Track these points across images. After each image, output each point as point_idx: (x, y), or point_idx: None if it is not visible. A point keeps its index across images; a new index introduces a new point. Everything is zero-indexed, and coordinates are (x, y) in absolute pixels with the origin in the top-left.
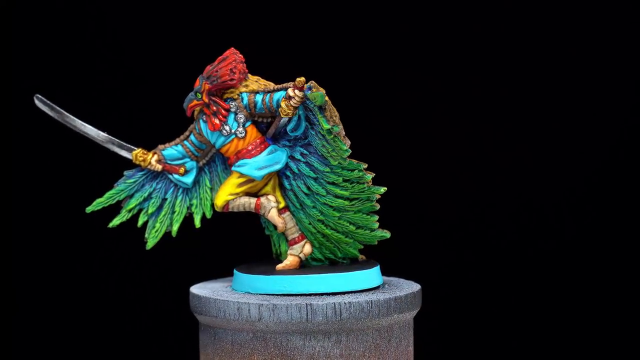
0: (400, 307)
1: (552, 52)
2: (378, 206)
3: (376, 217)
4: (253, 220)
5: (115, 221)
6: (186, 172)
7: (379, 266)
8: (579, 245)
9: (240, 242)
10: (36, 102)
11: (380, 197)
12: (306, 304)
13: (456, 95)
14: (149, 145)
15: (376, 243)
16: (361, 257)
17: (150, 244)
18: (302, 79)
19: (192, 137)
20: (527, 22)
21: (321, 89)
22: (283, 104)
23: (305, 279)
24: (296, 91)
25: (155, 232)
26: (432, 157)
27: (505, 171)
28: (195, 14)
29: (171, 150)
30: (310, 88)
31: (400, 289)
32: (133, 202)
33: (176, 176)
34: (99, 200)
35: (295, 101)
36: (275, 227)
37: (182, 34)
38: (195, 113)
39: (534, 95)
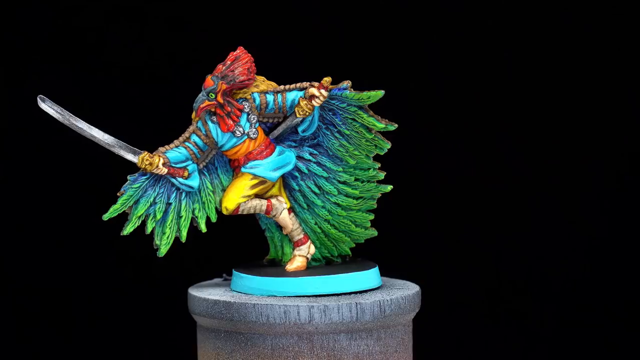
0: (420, 303)
1: (560, 54)
2: (375, 205)
3: (372, 216)
4: (233, 223)
5: (129, 229)
6: (189, 175)
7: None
8: (578, 245)
9: (217, 244)
10: (40, 103)
11: (380, 195)
12: (356, 302)
13: (458, 94)
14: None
15: (363, 241)
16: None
17: (163, 251)
18: (329, 78)
19: (195, 139)
20: (530, 21)
21: (347, 89)
22: (303, 104)
23: (343, 278)
24: (322, 90)
25: (167, 238)
26: (431, 156)
27: (507, 171)
28: (191, 15)
29: (175, 152)
30: (345, 88)
31: (404, 286)
32: (141, 208)
33: (180, 180)
34: (114, 207)
35: (319, 101)
36: (280, 228)
37: (178, 34)
38: (195, 115)
39: (536, 96)
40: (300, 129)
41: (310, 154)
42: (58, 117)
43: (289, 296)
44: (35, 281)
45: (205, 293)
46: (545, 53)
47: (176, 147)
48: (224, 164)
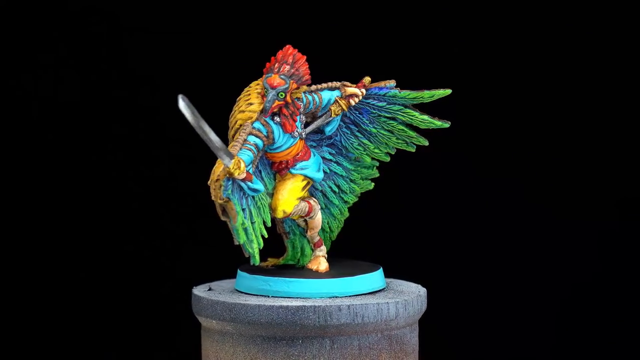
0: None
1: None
2: None
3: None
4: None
5: (242, 238)
6: (253, 178)
7: None
8: (581, 245)
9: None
10: (179, 102)
11: None
12: (418, 295)
13: (459, 93)
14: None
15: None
16: None
17: (258, 258)
18: (369, 78)
19: (256, 141)
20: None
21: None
22: (342, 103)
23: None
24: (362, 89)
25: (256, 246)
26: (434, 158)
27: (509, 172)
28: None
29: (244, 155)
30: (391, 87)
31: (404, 285)
32: (240, 216)
33: (249, 184)
34: (239, 211)
35: (357, 99)
36: (306, 230)
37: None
38: (245, 118)
39: (536, 96)
40: (327, 129)
41: (330, 153)
42: (190, 118)
43: (349, 295)
44: (39, 282)
45: (262, 300)
46: (548, 55)
47: (241, 150)
48: (264, 167)
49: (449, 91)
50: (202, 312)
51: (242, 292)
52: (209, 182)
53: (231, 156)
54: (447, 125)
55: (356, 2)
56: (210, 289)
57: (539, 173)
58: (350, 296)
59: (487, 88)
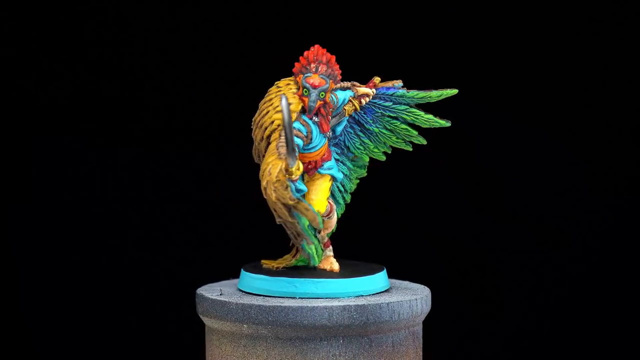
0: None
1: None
2: None
3: None
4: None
5: (313, 239)
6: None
7: None
8: (580, 246)
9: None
10: (282, 101)
11: None
12: (429, 292)
13: (461, 95)
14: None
15: None
16: None
17: (318, 259)
18: (379, 78)
19: (298, 142)
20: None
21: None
22: (355, 102)
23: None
24: (373, 89)
25: (315, 247)
26: (436, 159)
27: (509, 172)
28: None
29: None
30: (399, 87)
31: (399, 282)
32: (319, 216)
33: (296, 185)
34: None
35: (368, 99)
36: (319, 230)
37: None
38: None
39: (538, 96)
40: (338, 129)
41: (337, 153)
42: (286, 116)
43: (373, 294)
44: (45, 283)
45: (301, 302)
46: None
47: None
48: None
49: (455, 91)
50: (227, 316)
51: (256, 295)
52: (264, 184)
53: (295, 157)
54: (448, 124)
55: (356, 1)
56: (221, 293)
57: (540, 173)
58: (374, 294)
59: (486, 88)
